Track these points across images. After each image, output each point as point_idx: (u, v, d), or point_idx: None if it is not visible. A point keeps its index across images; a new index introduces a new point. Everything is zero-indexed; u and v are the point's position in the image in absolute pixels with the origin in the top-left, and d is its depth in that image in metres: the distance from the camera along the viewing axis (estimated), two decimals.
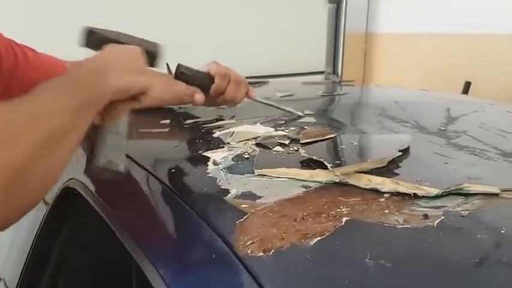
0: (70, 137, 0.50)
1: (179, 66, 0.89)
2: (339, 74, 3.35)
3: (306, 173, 0.65)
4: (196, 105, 0.92)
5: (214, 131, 0.85)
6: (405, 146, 0.74)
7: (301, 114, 0.96)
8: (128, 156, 0.72)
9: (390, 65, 3.38)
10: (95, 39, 0.71)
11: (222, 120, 0.94)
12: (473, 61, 2.84)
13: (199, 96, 0.90)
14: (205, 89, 0.91)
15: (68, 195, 0.80)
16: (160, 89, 0.87)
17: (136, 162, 0.70)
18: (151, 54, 0.73)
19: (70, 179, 0.78)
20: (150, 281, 0.50)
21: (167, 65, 1.84)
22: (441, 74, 2.97)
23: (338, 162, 0.67)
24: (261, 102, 1.01)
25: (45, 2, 1.93)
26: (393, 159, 0.70)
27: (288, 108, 0.99)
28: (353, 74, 3.38)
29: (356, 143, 0.78)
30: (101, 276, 0.90)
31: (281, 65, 2.90)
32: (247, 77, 1.94)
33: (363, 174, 0.63)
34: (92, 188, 0.70)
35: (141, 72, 0.64)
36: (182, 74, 0.89)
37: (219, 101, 0.96)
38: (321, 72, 3.27)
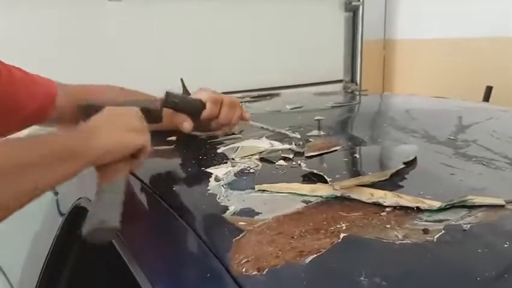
0: (15, 181, 0.52)
1: (167, 94, 0.87)
2: (358, 82, 3.34)
3: (306, 188, 0.65)
4: (186, 132, 0.90)
5: (218, 146, 0.85)
6: (411, 158, 0.72)
7: (298, 136, 0.91)
8: (132, 174, 0.73)
9: (409, 71, 3.34)
10: (88, 111, 0.70)
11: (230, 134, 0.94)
12: (494, 66, 2.78)
13: (187, 124, 0.88)
14: (196, 116, 0.89)
15: (79, 212, 0.81)
16: None
17: (140, 180, 0.71)
18: (151, 112, 0.74)
19: (80, 198, 0.80)
20: None
21: (181, 80, 1.86)
22: (462, 79, 2.92)
23: (339, 176, 0.67)
24: (255, 126, 0.96)
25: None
26: (398, 171, 0.69)
27: (283, 131, 0.94)
28: (372, 82, 3.35)
29: (359, 155, 0.77)
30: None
31: (299, 75, 2.91)
32: (265, 89, 1.94)
33: (365, 188, 0.63)
34: None
35: (136, 131, 0.64)
36: (171, 102, 0.87)
37: (213, 127, 0.93)
38: (340, 81, 3.27)
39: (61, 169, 0.56)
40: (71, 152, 0.57)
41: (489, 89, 2.69)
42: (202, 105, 0.89)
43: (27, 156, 0.53)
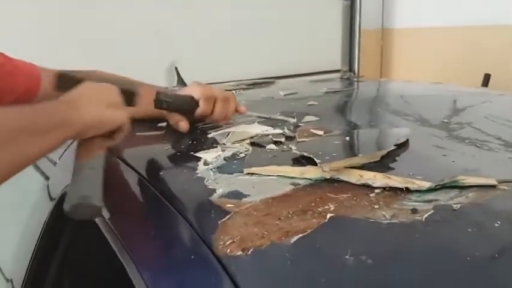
0: (4, 152, 0.50)
1: (158, 95, 0.84)
2: (356, 71, 3.32)
3: (296, 170, 0.64)
4: (184, 132, 0.86)
5: (209, 131, 0.84)
6: (403, 140, 0.71)
7: (294, 120, 0.90)
8: (120, 158, 0.72)
9: (408, 60, 3.32)
10: (67, 82, 0.69)
11: None
12: (492, 53, 2.76)
13: (184, 124, 0.85)
14: (189, 114, 0.86)
15: None
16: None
17: (128, 164, 0.70)
18: (129, 93, 0.71)
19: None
20: (132, 279, 0.50)
21: (176, 69, 1.84)
22: (460, 67, 2.90)
23: (328, 158, 0.66)
24: (251, 116, 0.94)
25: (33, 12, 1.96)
26: (389, 153, 0.68)
27: (280, 117, 0.94)
28: (371, 71, 3.33)
29: (351, 139, 0.76)
30: (106, 275, 0.90)
31: (296, 65, 2.89)
32: (260, 78, 1.93)
33: (354, 170, 0.62)
34: None
35: (116, 107, 0.63)
36: (163, 103, 0.84)
37: (207, 121, 0.91)
38: (338, 71, 3.24)
39: (45, 139, 0.55)
40: (56, 122, 0.56)
41: (487, 77, 2.68)
42: (195, 102, 0.86)
43: (17, 123, 0.52)
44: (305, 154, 0.67)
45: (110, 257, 0.63)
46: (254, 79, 1.97)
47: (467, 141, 0.74)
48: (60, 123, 0.56)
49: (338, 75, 3.15)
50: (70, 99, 0.60)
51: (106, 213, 0.61)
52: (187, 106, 0.86)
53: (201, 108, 0.86)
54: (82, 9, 2.07)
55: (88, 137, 0.60)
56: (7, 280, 0.98)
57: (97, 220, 0.62)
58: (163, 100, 0.84)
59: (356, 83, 1.44)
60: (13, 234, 0.98)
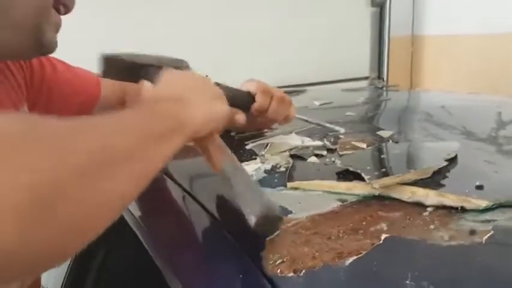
0: (131, 167, 0.40)
1: (218, 85, 0.83)
2: (385, 78, 3.27)
3: (342, 186, 0.61)
4: (238, 126, 0.80)
5: (247, 142, 0.83)
6: (453, 155, 0.69)
7: (342, 130, 0.87)
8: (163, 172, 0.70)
9: (438, 68, 3.26)
10: (116, 66, 0.64)
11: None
12: None
13: (241, 116, 0.78)
14: (246, 109, 0.81)
15: None
16: None
17: (168, 175, 0.69)
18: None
19: None
20: None
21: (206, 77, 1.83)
22: (493, 76, 2.83)
23: (377, 173, 0.63)
24: (302, 120, 0.92)
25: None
26: (439, 169, 0.65)
27: (327, 125, 0.91)
28: (400, 79, 3.28)
29: (398, 152, 0.74)
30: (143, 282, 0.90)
31: (324, 72, 2.87)
32: (289, 86, 1.91)
33: (405, 186, 0.59)
34: None
35: (219, 99, 0.57)
36: (226, 96, 0.82)
37: (260, 121, 0.87)
38: (366, 78, 3.21)
39: (168, 145, 0.45)
40: (173, 125, 0.47)
41: None
42: (251, 97, 0.83)
43: (141, 132, 0.43)
44: (351, 169, 0.65)
45: (149, 269, 0.62)
46: (283, 86, 1.96)
47: None
48: (177, 126, 0.48)
49: (366, 82, 3.12)
50: (173, 95, 0.52)
51: (147, 224, 0.60)
52: (244, 100, 0.82)
53: (258, 103, 0.82)
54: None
55: (201, 136, 0.53)
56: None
57: (137, 231, 0.61)
58: (224, 92, 0.82)
59: (390, 93, 1.41)
60: None
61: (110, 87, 0.82)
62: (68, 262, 0.87)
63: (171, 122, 0.47)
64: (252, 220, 0.49)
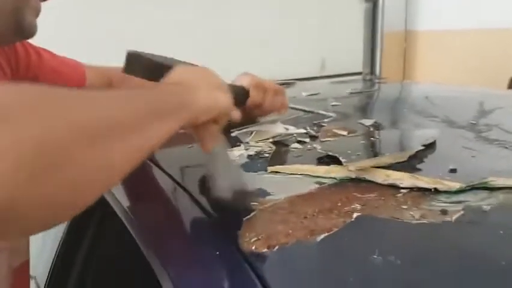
0: (132, 138, 0.41)
1: None
2: (378, 74, 3.29)
3: (321, 169, 0.63)
4: (234, 122, 0.86)
5: (232, 130, 0.84)
6: (431, 141, 0.70)
7: (332, 115, 0.91)
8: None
9: (431, 63, 3.28)
10: (140, 63, 0.65)
11: None
12: None
13: (237, 113, 0.82)
14: (240, 104, 0.81)
15: None
16: None
17: (152, 161, 0.70)
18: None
19: None
20: (157, 275, 0.50)
21: None
22: (484, 71, 2.85)
23: (354, 158, 0.65)
24: (294, 108, 0.95)
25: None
26: (417, 154, 0.66)
27: (320, 111, 0.95)
28: (393, 74, 3.29)
29: (378, 139, 0.75)
30: (129, 273, 0.91)
31: (318, 67, 2.88)
32: (281, 80, 1.92)
33: (380, 170, 0.61)
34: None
35: (222, 90, 0.59)
36: None
37: (256, 114, 0.88)
38: (359, 73, 3.22)
39: (168, 123, 0.47)
40: (176, 105, 0.49)
41: None
42: (246, 92, 0.84)
43: (146, 106, 0.45)
44: (330, 153, 0.66)
45: (133, 254, 0.63)
46: (275, 81, 1.97)
47: (496, 142, 0.72)
48: (180, 106, 0.50)
49: (359, 77, 3.14)
50: (181, 81, 0.54)
51: (130, 209, 0.61)
52: (239, 95, 0.82)
53: (252, 97, 0.83)
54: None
55: (199, 122, 0.55)
56: (31, 277, 1.00)
57: (122, 216, 0.62)
58: None
59: (378, 85, 1.42)
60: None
61: (95, 74, 0.83)
62: (55, 251, 0.88)
63: (175, 102, 0.49)
64: (228, 196, 0.52)
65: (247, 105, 0.84)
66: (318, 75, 2.84)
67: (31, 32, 0.63)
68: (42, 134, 0.32)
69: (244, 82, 0.84)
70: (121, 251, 0.87)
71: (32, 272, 1.00)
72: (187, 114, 0.51)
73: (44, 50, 0.79)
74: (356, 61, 3.25)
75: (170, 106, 0.48)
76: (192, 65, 0.69)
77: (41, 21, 0.64)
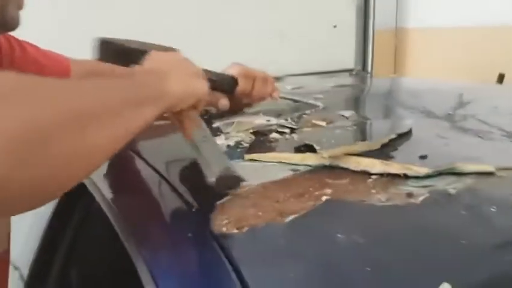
0: (109, 125, 0.43)
1: (205, 71, 0.84)
2: (370, 70, 3.31)
3: (296, 157, 0.65)
4: (221, 110, 0.86)
5: (214, 121, 0.85)
6: (405, 130, 0.72)
7: (320, 105, 0.94)
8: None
9: (422, 60, 3.29)
10: (111, 50, 0.67)
11: None
12: (507, 54, 2.73)
13: (225, 101, 0.84)
14: (229, 93, 0.86)
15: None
16: None
17: (132, 150, 0.72)
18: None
19: None
20: (132, 258, 0.52)
21: None
22: (475, 67, 2.87)
23: (329, 146, 0.66)
24: (284, 98, 0.97)
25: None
26: (390, 142, 0.68)
27: (309, 101, 0.97)
28: (384, 71, 3.31)
29: (355, 129, 0.77)
30: (114, 266, 0.92)
31: (308, 63, 2.89)
32: (273, 76, 1.93)
33: (353, 157, 0.62)
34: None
35: (199, 77, 0.60)
36: (209, 81, 0.84)
37: (246, 102, 0.91)
38: (351, 70, 3.24)
39: (145, 112, 0.48)
40: (153, 94, 0.51)
41: (501, 77, 2.64)
42: (234, 81, 0.86)
43: (122, 94, 0.47)
44: (306, 142, 0.68)
45: (113, 242, 0.65)
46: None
47: (469, 131, 0.74)
48: (157, 96, 0.51)
49: (355, 71, 3.15)
50: (155, 70, 0.55)
51: (108, 194, 0.62)
52: (228, 85, 0.86)
53: (241, 86, 0.86)
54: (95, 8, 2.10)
55: (177, 110, 0.57)
56: (15, 268, 1.01)
57: (101, 202, 0.64)
58: (209, 78, 0.84)
59: (363, 79, 1.44)
60: (22, 222, 1.01)
61: (81, 67, 0.84)
62: (38, 240, 0.90)
63: (151, 92, 0.51)
64: (213, 180, 0.53)
65: (237, 93, 0.86)
66: (309, 71, 2.86)
67: (14, 24, 0.64)
68: (30, 120, 0.35)
69: (233, 71, 0.87)
70: (104, 242, 0.89)
71: (17, 263, 1.01)
72: (163, 103, 0.52)
73: (28, 43, 0.80)
74: (348, 58, 3.26)
75: (146, 95, 0.50)
76: (167, 48, 0.71)
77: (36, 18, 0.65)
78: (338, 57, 3.11)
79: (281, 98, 0.95)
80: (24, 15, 0.64)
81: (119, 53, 0.66)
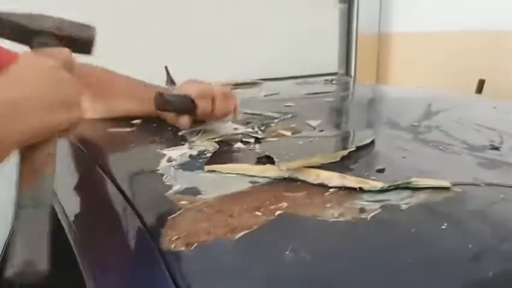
0: None
1: (160, 95, 0.80)
2: (353, 75, 3.33)
3: (255, 169, 0.64)
4: (185, 128, 0.84)
5: (180, 129, 0.85)
6: (366, 142, 0.72)
7: (278, 116, 0.93)
8: (82, 150, 0.72)
9: (404, 64, 3.32)
10: (9, 27, 0.56)
11: None
12: (488, 59, 2.76)
13: (185, 120, 0.82)
14: (191, 113, 0.83)
15: None
16: None
17: (93, 159, 0.71)
18: (84, 41, 0.59)
19: None
20: (82, 271, 0.51)
21: (166, 68, 1.85)
22: (456, 72, 2.90)
23: (288, 158, 0.66)
24: (246, 113, 0.96)
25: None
26: (350, 154, 0.68)
27: (267, 113, 0.96)
28: (368, 75, 3.34)
29: (318, 139, 0.77)
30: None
31: (291, 67, 2.90)
32: (256, 80, 1.93)
33: (312, 169, 0.62)
34: None
35: (69, 104, 0.51)
36: (166, 104, 0.81)
37: (209, 119, 0.88)
38: (334, 74, 3.25)
39: None
40: None
41: (481, 83, 2.67)
42: (192, 102, 0.82)
43: None
44: (267, 153, 0.68)
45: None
46: (248, 83, 1.99)
47: (431, 144, 0.74)
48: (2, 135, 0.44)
49: (322, 79, 3.16)
50: (8, 103, 0.46)
51: (65, 204, 0.62)
52: (187, 107, 0.83)
53: (201, 108, 0.82)
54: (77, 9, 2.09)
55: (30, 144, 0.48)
56: None
57: (57, 210, 0.63)
58: (166, 101, 0.81)
59: (343, 85, 1.45)
60: None
61: None
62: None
63: None
64: (9, 271, 0.43)
65: (199, 115, 0.84)
66: (292, 75, 2.86)
67: None
68: None
69: (191, 91, 0.83)
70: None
71: None
72: (7, 144, 0.45)
73: None
74: (331, 62, 3.28)
75: None
76: (81, 27, 0.61)
77: None
78: (321, 61, 3.12)
79: (244, 113, 0.93)
80: None
81: (18, 33, 0.56)
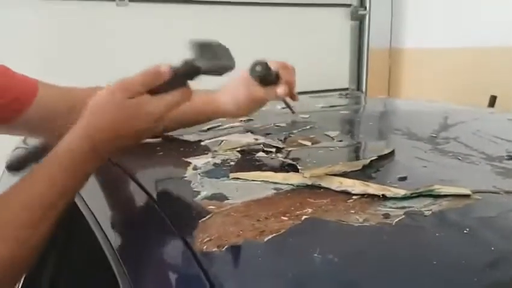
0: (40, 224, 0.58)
1: (256, 63, 0.86)
2: (364, 90, 3.35)
3: (279, 176, 0.66)
4: (280, 99, 0.88)
5: (203, 140, 0.87)
6: (386, 152, 0.74)
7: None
8: (113, 162, 0.75)
9: (415, 80, 3.34)
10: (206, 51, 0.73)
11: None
12: (499, 75, 2.77)
13: (282, 89, 0.84)
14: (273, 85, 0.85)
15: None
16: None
17: (121, 167, 0.73)
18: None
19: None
20: (116, 275, 0.53)
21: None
22: (468, 89, 2.91)
23: (312, 166, 0.68)
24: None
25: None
26: (371, 163, 0.70)
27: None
28: (379, 90, 3.35)
29: (338, 149, 0.79)
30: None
31: (304, 82, 2.92)
32: None
33: (334, 177, 0.64)
34: None
35: (150, 125, 0.64)
36: (259, 71, 0.85)
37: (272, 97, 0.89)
38: (346, 89, 3.28)
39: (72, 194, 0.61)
40: (82, 176, 0.61)
41: (493, 99, 2.68)
42: (276, 74, 0.86)
43: (48, 200, 0.58)
44: (289, 161, 0.70)
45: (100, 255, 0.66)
46: None
47: (450, 154, 0.76)
48: (86, 176, 0.61)
49: (345, 92, 3.19)
50: (95, 147, 0.61)
51: (97, 213, 0.64)
52: (273, 78, 0.85)
53: (285, 78, 0.86)
54: (85, 23, 2.13)
55: None
56: None
57: (88, 219, 0.65)
58: (260, 69, 0.85)
59: (355, 99, 1.47)
60: None
61: (51, 89, 0.81)
62: None
63: (81, 174, 0.61)
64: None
65: (282, 83, 0.85)
66: (304, 90, 2.89)
67: None
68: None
69: (273, 64, 0.87)
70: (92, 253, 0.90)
71: None
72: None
73: None
74: (343, 77, 3.31)
75: (75, 181, 0.60)
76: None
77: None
78: (333, 77, 3.15)
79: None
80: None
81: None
